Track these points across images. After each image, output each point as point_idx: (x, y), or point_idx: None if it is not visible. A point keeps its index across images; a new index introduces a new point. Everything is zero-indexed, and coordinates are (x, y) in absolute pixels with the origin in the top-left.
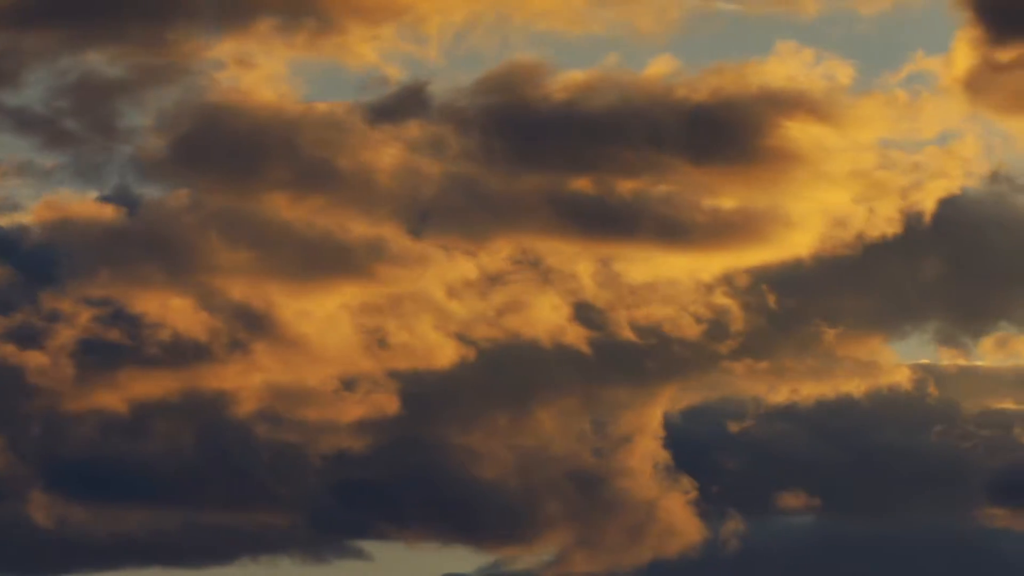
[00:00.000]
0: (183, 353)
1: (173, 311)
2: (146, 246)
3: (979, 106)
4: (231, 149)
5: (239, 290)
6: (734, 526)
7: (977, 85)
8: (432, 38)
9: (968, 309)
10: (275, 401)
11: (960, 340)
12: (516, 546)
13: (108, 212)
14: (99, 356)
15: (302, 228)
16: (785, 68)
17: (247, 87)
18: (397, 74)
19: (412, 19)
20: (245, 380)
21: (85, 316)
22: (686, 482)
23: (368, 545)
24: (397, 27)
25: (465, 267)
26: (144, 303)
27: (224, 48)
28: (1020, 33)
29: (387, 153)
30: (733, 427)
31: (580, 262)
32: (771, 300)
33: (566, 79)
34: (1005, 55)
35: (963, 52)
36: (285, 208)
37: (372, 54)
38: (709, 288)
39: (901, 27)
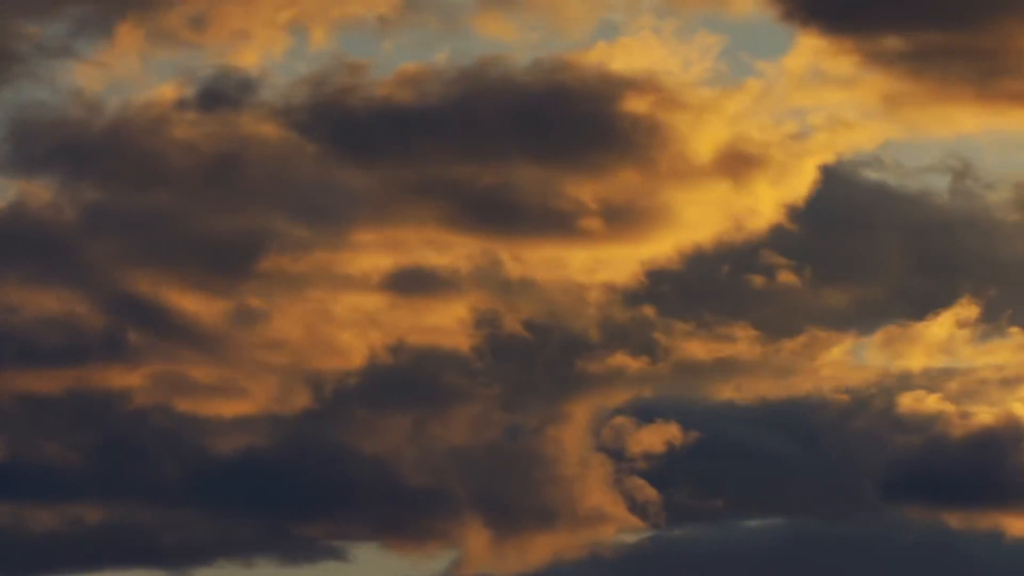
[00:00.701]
0: (73, 350)
1: (60, 307)
2: (19, 240)
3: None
4: (70, 143)
5: (128, 286)
6: (650, 524)
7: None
8: (270, 32)
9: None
10: (172, 397)
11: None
12: (430, 544)
13: None
14: None
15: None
16: (637, 53)
17: (74, 79)
18: (237, 66)
19: (247, 11)
20: (140, 377)
21: None
22: (597, 479)
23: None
24: (231, 16)
25: (348, 262)
26: (25, 299)
27: (54, 39)
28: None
29: (236, 147)
30: (641, 426)
31: (462, 259)
32: (660, 295)
33: (405, 72)
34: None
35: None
36: (146, 201)
37: (218, 46)
38: (601, 286)
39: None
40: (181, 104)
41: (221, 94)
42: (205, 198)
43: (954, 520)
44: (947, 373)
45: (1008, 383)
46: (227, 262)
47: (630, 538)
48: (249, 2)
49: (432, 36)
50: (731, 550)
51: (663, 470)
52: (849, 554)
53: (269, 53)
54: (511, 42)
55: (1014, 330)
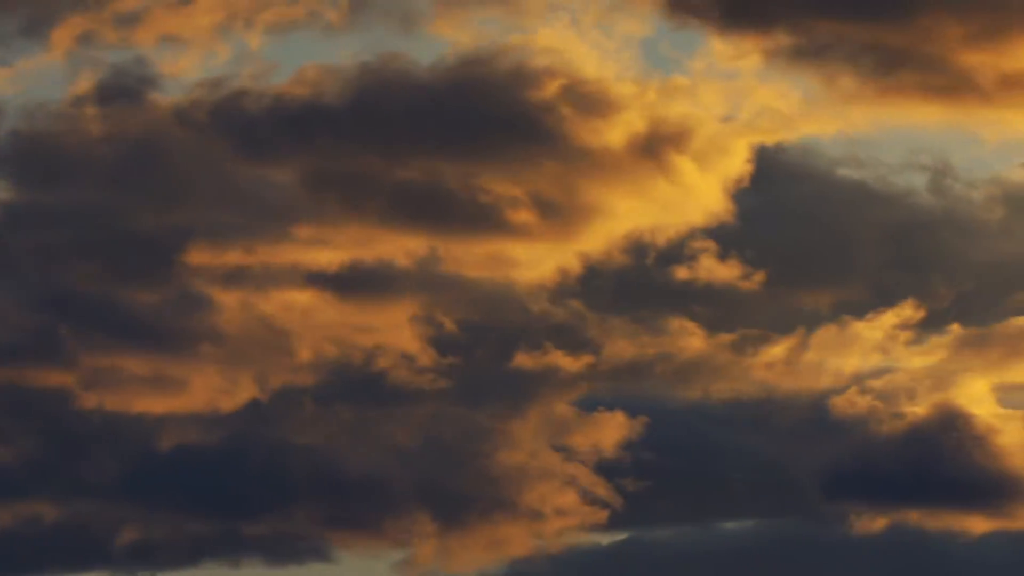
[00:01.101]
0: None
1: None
2: None
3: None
4: None
5: (69, 284)
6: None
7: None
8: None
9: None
10: (117, 395)
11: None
12: (382, 542)
13: None
14: None
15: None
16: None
17: None
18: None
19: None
20: (86, 375)
21: None
22: (547, 475)
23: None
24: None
25: (288, 259)
26: None
27: None
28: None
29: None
30: (587, 422)
31: (403, 256)
32: (596, 289)
33: (305, 72)
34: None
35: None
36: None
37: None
38: (539, 282)
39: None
40: (90, 102)
41: (133, 92)
42: (131, 195)
43: (914, 518)
44: (882, 372)
45: (943, 380)
46: (157, 259)
47: (603, 539)
48: (180, 7)
49: (372, 37)
50: (697, 550)
51: (613, 465)
52: (810, 554)
53: (198, 55)
54: (447, 38)
55: (955, 327)
